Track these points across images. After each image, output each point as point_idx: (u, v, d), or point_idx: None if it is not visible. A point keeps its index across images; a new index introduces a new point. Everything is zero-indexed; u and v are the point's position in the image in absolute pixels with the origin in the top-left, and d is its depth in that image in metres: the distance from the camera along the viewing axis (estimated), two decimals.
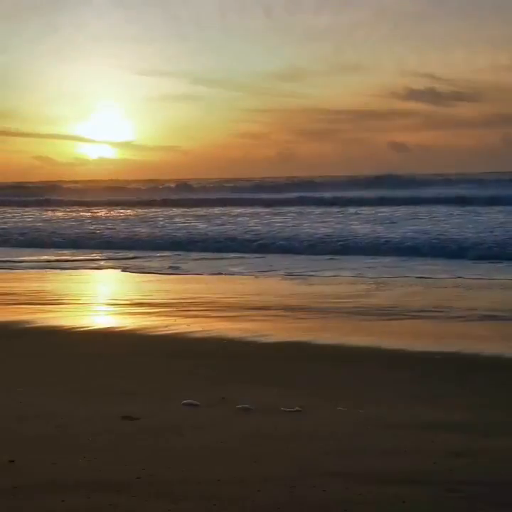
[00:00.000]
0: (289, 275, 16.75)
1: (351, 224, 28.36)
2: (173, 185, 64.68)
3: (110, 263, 20.16)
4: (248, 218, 32.74)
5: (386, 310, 11.63)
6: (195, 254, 21.38)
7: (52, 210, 43.39)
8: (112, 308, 12.92)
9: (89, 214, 39.91)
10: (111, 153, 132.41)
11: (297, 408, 6.25)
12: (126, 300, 13.38)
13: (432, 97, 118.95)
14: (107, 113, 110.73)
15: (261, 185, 58.70)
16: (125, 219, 35.17)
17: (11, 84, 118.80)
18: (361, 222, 29.03)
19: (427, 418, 6.02)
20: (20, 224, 32.71)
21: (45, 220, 35.06)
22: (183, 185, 62.80)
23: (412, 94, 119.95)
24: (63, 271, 18.46)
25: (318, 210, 36.37)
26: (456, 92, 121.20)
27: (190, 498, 4.35)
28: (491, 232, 22.97)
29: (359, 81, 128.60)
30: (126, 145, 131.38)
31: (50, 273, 18.03)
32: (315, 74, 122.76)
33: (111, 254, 21.95)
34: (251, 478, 4.64)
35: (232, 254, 21.16)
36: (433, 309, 11.64)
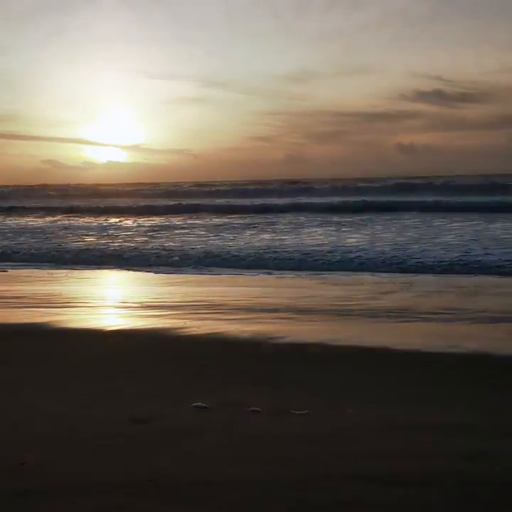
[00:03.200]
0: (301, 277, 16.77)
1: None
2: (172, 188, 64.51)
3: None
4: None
5: (396, 311, 11.62)
6: None
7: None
8: (122, 310, 12.93)
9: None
10: (120, 157, 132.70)
11: (307, 411, 6.24)
12: (136, 302, 13.41)
13: (440, 98, 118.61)
14: (116, 116, 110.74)
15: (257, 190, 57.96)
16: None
17: (18, 87, 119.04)
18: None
19: (438, 420, 5.99)
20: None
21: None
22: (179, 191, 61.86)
23: (421, 96, 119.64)
24: (74, 272, 18.51)
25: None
26: (465, 94, 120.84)
27: (201, 500, 4.35)
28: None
29: (368, 83, 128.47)
30: (136, 148, 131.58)
31: (59, 274, 18.06)
32: (324, 76, 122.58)
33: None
34: (261, 481, 4.63)
35: None
36: (443, 311, 11.62)
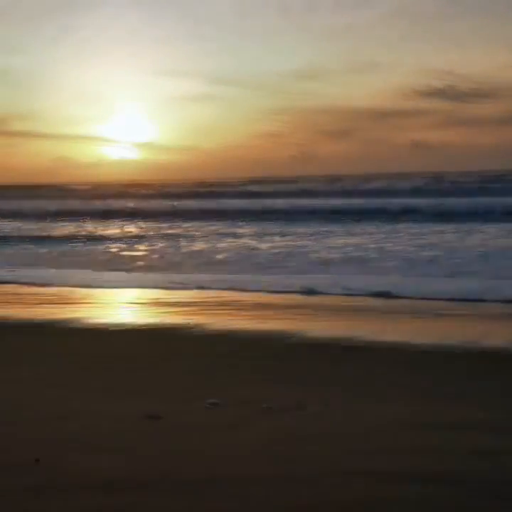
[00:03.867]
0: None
1: None
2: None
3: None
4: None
5: (410, 309, 11.70)
6: None
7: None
8: (133, 308, 13.02)
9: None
10: (130, 154, 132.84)
11: (318, 408, 6.24)
12: (148, 300, 13.49)
13: (451, 95, 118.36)
14: (126, 114, 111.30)
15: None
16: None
17: (31, 86, 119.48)
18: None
19: (451, 417, 5.98)
20: None
21: None
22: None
23: (431, 93, 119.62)
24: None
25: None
26: (476, 90, 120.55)
27: (213, 496, 4.34)
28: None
29: (377, 80, 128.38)
30: (145, 146, 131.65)
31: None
32: (333, 73, 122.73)
33: None
34: (274, 478, 4.62)
35: None
36: (449, 311, 11.67)
